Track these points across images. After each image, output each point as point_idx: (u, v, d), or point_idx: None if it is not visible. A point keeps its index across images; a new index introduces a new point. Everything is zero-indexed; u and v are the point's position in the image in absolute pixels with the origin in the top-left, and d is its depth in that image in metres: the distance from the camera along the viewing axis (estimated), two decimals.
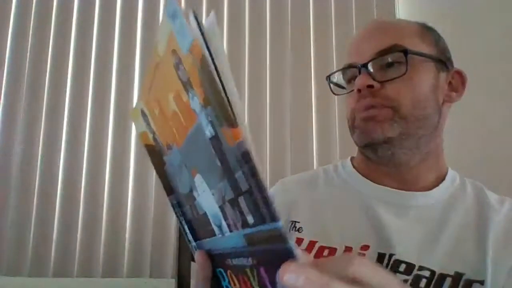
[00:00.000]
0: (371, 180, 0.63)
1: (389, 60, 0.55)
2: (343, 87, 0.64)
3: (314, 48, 1.58)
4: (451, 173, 0.62)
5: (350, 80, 0.61)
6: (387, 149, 0.56)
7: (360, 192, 0.62)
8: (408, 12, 1.63)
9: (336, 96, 0.65)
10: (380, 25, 0.60)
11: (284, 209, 0.64)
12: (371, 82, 0.54)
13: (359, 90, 0.56)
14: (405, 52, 0.54)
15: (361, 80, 0.55)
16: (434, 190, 0.59)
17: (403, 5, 1.65)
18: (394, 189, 0.60)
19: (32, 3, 1.55)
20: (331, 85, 0.65)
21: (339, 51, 1.57)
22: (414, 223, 0.56)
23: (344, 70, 0.62)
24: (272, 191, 0.71)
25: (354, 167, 0.67)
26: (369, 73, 0.55)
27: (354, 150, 0.68)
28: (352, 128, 0.61)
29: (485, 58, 1.38)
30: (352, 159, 0.70)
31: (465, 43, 1.26)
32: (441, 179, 0.61)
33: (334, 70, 0.64)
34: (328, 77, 0.64)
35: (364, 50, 0.57)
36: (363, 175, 0.64)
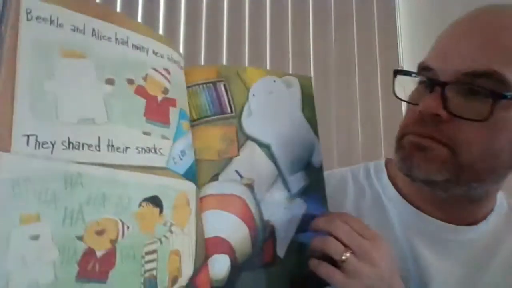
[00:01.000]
0: (409, 202, 0.53)
1: (475, 87, 0.42)
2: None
3: (314, 48, 1.59)
4: (499, 198, 0.54)
5: (420, 83, 0.49)
6: (426, 186, 0.48)
7: (395, 214, 0.54)
8: (408, 13, 1.63)
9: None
10: (486, 30, 0.44)
11: None
12: (440, 111, 0.42)
13: (421, 112, 0.44)
14: (499, 94, 0.41)
15: (429, 104, 0.43)
16: (482, 224, 0.52)
17: (403, 5, 1.65)
18: (438, 221, 0.52)
19: None
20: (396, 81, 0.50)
21: (339, 50, 1.56)
22: (454, 260, 0.51)
23: (419, 67, 0.48)
24: None
25: (389, 176, 0.57)
26: (443, 97, 0.43)
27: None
28: (397, 144, 0.50)
29: None
30: (387, 164, 0.59)
31: None
32: (490, 210, 0.53)
33: (407, 72, 0.50)
34: (396, 72, 0.50)
35: (451, 59, 0.44)
36: (399, 190, 0.54)
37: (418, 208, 0.53)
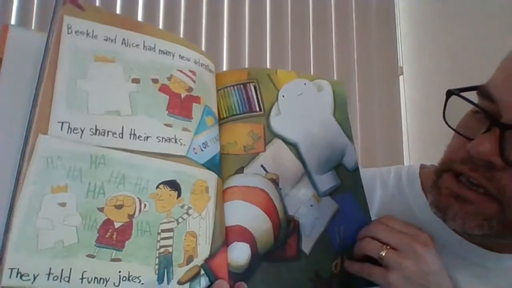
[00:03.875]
0: (443, 218, 0.44)
1: None
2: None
3: (314, 47, 1.57)
4: None
5: (476, 111, 0.41)
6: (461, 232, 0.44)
7: (428, 230, 0.45)
8: (408, 13, 1.60)
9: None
10: None
11: None
12: (496, 159, 0.36)
13: (471, 154, 0.38)
14: None
15: (483, 148, 0.37)
16: None
17: (403, 5, 1.62)
18: (477, 247, 0.47)
19: None
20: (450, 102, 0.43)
21: (339, 50, 1.55)
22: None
23: (479, 91, 0.41)
24: None
25: (423, 187, 0.52)
26: (501, 141, 0.36)
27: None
28: (436, 178, 0.44)
29: (486, 58, 1.23)
30: (422, 173, 0.53)
31: (466, 44, 1.18)
32: None
33: (466, 89, 0.42)
34: (450, 93, 0.43)
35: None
36: (433, 204, 0.45)
37: (454, 230, 0.48)
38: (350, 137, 0.50)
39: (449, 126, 0.43)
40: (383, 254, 0.40)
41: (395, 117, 1.67)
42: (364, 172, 0.57)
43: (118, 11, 1.69)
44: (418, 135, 1.61)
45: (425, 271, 0.39)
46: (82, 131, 0.35)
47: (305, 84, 0.49)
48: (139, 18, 1.69)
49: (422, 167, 0.55)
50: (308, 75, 0.50)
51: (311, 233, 0.45)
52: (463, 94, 0.42)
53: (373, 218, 0.49)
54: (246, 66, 1.63)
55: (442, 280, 0.40)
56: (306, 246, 0.44)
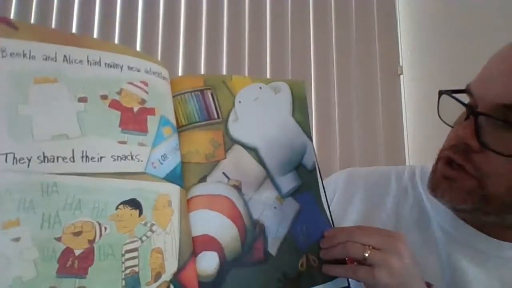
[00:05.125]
0: (435, 197, 0.50)
1: (510, 119, 0.41)
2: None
3: (314, 47, 1.59)
4: None
5: (460, 101, 0.47)
6: (456, 212, 0.50)
7: (437, 220, 0.53)
8: (408, 13, 1.62)
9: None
10: None
11: (341, 201, 0.61)
12: (471, 141, 0.42)
13: (453, 138, 0.45)
14: None
15: (461, 132, 0.44)
16: None
17: (403, 5, 1.64)
18: (482, 234, 0.51)
19: None
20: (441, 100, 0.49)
21: (338, 50, 1.58)
22: (492, 276, 0.50)
23: (466, 90, 0.47)
24: (335, 176, 0.67)
25: None
26: (476, 126, 0.42)
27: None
28: (434, 166, 0.50)
29: (486, 58, 1.25)
30: None
31: (466, 43, 1.21)
32: None
33: (457, 91, 0.48)
34: (442, 92, 0.49)
35: (491, 89, 0.43)
36: (428, 186, 0.52)
37: (460, 217, 0.52)
38: (309, 137, 0.50)
39: (442, 121, 0.49)
40: (367, 254, 0.42)
41: (395, 116, 1.68)
42: (380, 168, 0.64)
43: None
44: (418, 134, 1.63)
45: (408, 266, 0.41)
46: (29, 160, 0.33)
47: (260, 88, 0.49)
48: (138, 26, 1.63)
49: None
50: (264, 79, 0.50)
51: (276, 235, 0.45)
52: (456, 95, 0.48)
53: (389, 211, 0.51)
54: (246, 67, 1.61)
55: (417, 273, 0.43)
56: (273, 248, 0.44)
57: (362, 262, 0.42)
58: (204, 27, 1.63)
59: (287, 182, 0.47)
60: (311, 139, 0.50)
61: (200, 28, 1.63)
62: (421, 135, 1.61)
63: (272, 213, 0.45)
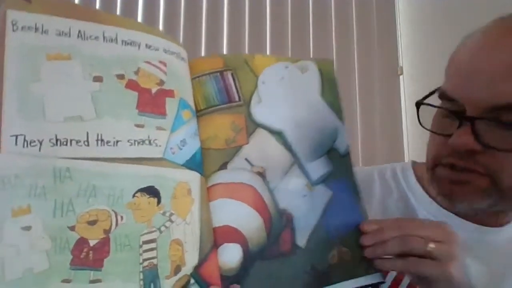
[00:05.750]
0: (437, 203, 0.54)
1: (502, 119, 0.42)
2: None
3: (314, 47, 1.59)
4: None
5: (445, 108, 0.48)
6: (469, 210, 0.49)
7: (424, 215, 0.55)
8: (408, 13, 1.62)
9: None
10: (507, 60, 0.42)
11: None
12: (475, 146, 0.42)
13: (454, 147, 0.44)
14: None
15: (463, 140, 0.43)
16: (508, 226, 0.53)
17: (403, 5, 1.65)
18: (469, 223, 0.52)
19: None
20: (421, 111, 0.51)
21: (338, 50, 1.59)
22: (480, 263, 0.50)
23: (441, 94, 0.48)
24: None
25: (416, 177, 0.58)
26: (474, 131, 0.42)
27: None
28: (431, 175, 0.50)
29: None
30: (415, 167, 0.60)
31: None
32: None
33: (427, 96, 0.51)
34: (419, 104, 0.51)
35: (478, 91, 0.43)
36: (426, 191, 0.56)
37: (446, 208, 0.53)
38: (341, 118, 0.47)
39: (426, 129, 0.50)
40: (433, 246, 0.39)
41: (395, 116, 1.68)
42: (362, 168, 0.65)
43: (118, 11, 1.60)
44: (418, 134, 1.60)
45: (464, 259, 0.42)
46: (41, 143, 0.30)
47: (286, 67, 0.46)
48: (139, 12, 1.60)
49: (413, 162, 0.62)
50: (290, 58, 0.46)
51: (305, 225, 0.42)
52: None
53: (375, 207, 0.48)
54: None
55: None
56: (301, 239, 0.42)
57: (423, 255, 0.39)
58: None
59: (318, 168, 0.44)
60: (343, 122, 0.47)
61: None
62: (421, 135, 1.56)
63: (301, 201, 0.42)
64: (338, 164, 0.45)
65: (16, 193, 0.29)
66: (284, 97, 0.44)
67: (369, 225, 0.43)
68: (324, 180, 0.44)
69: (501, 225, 0.53)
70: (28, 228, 0.29)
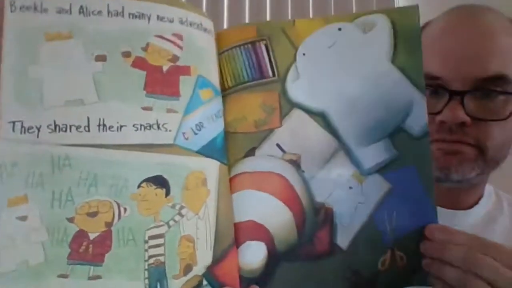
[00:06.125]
0: (448, 174, 0.51)
1: (493, 91, 0.46)
2: None
3: None
4: (487, 186, 0.57)
5: (434, 85, 0.47)
6: (457, 183, 0.49)
7: None
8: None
9: None
10: (486, 36, 0.47)
11: None
12: (466, 118, 0.45)
13: (443, 122, 0.46)
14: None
15: (455, 115, 0.45)
16: (474, 208, 0.54)
17: (403, 5, 1.33)
18: (438, 206, 0.43)
19: None
20: None
21: None
22: None
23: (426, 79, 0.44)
24: None
25: None
26: (463, 104, 0.45)
27: None
28: None
29: None
30: None
31: None
32: (481, 195, 0.56)
33: None
34: None
35: (464, 66, 0.46)
36: (436, 167, 0.53)
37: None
38: (421, 88, 0.37)
39: None
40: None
41: None
42: None
43: None
44: None
45: None
46: (39, 129, 0.29)
47: (340, 29, 0.38)
48: None
49: None
50: (348, 14, 0.38)
51: (350, 223, 0.35)
52: None
53: None
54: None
55: None
56: (343, 239, 0.35)
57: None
58: None
59: (373, 154, 0.36)
60: (423, 92, 0.37)
61: None
62: None
63: (345, 194, 0.35)
64: (406, 149, 0.36)
65: (12, 182, 0.28)
66: (331, 70, 0.37)
67: (436, 232, 0.34)
68: (381, 169, 0.36)
69: (470, 207, 0.54)
70: (24, 218, 0.28)
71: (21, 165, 0.28)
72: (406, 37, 0.37)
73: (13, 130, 0.28)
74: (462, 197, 0.54)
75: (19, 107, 0.29)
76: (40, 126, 0.29)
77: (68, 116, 0.29)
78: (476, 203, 0.55)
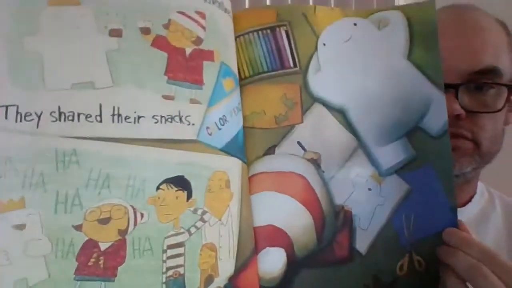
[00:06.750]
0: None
1: (486, 83, 0.47)
2: None
3: None
4: (479, 184, 0.57)
5: None
6: (456, 179, 0.48)
7: None
8: None
9: None
10: (477, 31, 0.48)
11: None
12: (460, 110, 0.45)
13: None
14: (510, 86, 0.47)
15: (449, 107, 0.43)
16: (468, 206, 0.54)
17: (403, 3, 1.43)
18: None
19: None
20: None
21: None
22: None
23: None
24: None
25: None
26: (458, 97, 0.45)
27: None
28: None
29: None
30: None
31: None
32: (473, 192, 0.56)
33: None
34: None
35: (458, 60, 0.46)
36: None
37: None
38: (440, 86, 0.36)
39: None
40: None
41: None
42: None
43: None
44: None
45: None
46: (39, 117, 0.23)
47: (355, 24, 0.36)
48: None
49: None
50: (362, 10, 0.36)
51: (369, 226, 0.34)
52: None
53: None
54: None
55: None
56: (362, 243, 0.34)
57: None
58: None
59: (391, 154, 0.35)
60: (442, 90, 0.36)
61: None
62: None
63: (364, 196, 0.34)
64: (424, 148, 0.35)
65: (6, 183, 0.22)
66: (350, 64, 0.35)
67: (453, 237, 0.34)
68: (400, 170, 0.35)
69: (464, 204, 0.53)
70: (21, 227, 0.23)
71: (16, 161, 0.23)
72: (422, 33, 0.36)
73: (6, 117, 0.23)
74: (457, 194, 0.54)
75: (14, 88, 0.23)
76: (41, 113, 0.23)
77: (76, 102, 0.24)
78: (469, 200, 0.55)
